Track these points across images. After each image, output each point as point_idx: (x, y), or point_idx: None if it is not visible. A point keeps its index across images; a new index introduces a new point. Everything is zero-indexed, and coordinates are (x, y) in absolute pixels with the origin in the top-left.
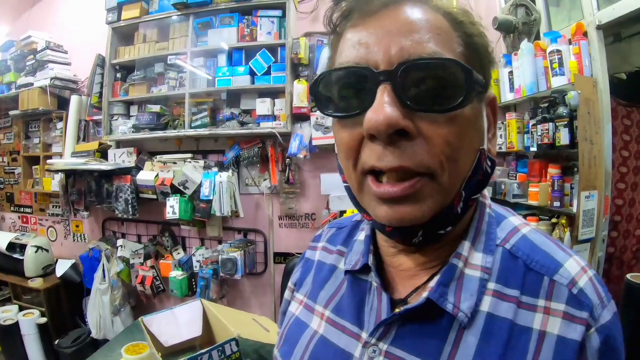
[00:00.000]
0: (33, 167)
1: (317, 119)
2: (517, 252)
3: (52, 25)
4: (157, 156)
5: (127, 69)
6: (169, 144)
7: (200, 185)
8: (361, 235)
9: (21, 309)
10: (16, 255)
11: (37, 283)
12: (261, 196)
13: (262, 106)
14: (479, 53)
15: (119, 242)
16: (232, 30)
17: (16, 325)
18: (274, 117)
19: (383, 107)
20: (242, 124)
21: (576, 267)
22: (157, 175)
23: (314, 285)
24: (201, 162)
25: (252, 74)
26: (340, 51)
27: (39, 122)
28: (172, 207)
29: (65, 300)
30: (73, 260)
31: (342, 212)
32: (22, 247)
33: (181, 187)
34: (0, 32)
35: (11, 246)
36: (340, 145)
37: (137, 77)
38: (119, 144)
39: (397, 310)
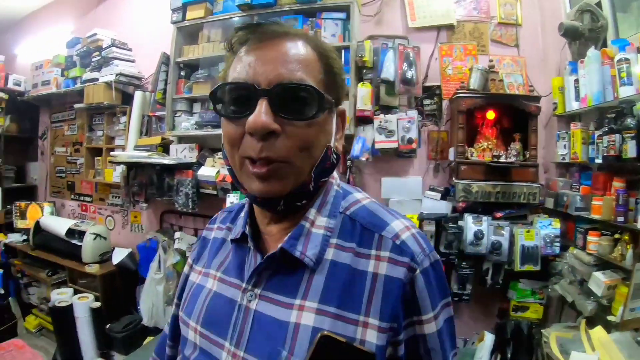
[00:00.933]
0: (95, 158)
1: (380, 122)
2: (356, 216)
3: (117, 24)
4: (219, 153)
5: (191, 67)
6: None
7: None
8: (243, 212)
9: (76, 292)
10: (74, 241)
11: (93, 269)
12: None
13: None
14: (335, 79)
15: (177, 234)
16: None
17: (70, 307)
18: None
19: (260, 115)
20: None
21: (400, 226)
22: (219, 171)
23: (209, 256)
24: None
25: None
26: (234, 67)
27: (103, 115)
28: (232, 204)
29: (119, 287)
30: (130, 250)
31: None
32: (81, 234)
33: None
34: (66, 29)
35: (70, 232)
36: (227, 137)
37: (201, 75)
38: (181, 139)
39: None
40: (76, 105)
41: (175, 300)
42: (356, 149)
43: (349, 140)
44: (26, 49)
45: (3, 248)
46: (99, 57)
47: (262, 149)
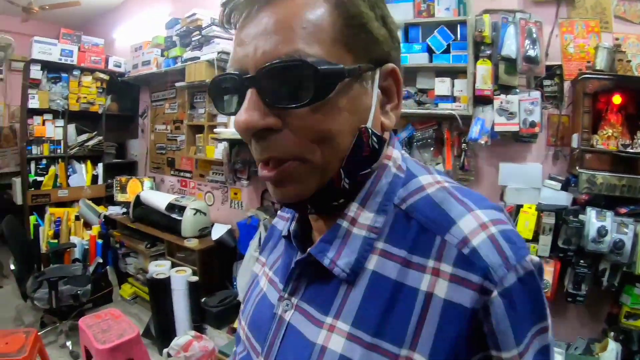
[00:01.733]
0: (196, 135)
1: (501, 103)
2: (413, 212)
3: (215, 2)
4: None
5: None
6: None
7: None
8: None
9: (173, 265)
10: (174, 216)
11: (192, 243)
12: None
13: (441, 86)
14: (364, 31)
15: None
16: (408, 6)
17: (168, 280)
18: (453, 99)
19: (242, 113)
20: (419, 103)
21: (473, 224)
22: None
23: (270, 250)
24: None
25: (429, 51)
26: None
27: (204, 93)
28: None
29: (216, 262)
30: (229, 226)
31: (519, 207)
32: (181, 209)
33: None
34: (163, 12)
35: (170, 207)
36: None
37: None
38: None
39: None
40: (177, 84)
41: None
42: (474, 130)
43: (467, 121)
44: (124, 32)
45: (103, 220)
46: (200, 37)
47: (263, 149)
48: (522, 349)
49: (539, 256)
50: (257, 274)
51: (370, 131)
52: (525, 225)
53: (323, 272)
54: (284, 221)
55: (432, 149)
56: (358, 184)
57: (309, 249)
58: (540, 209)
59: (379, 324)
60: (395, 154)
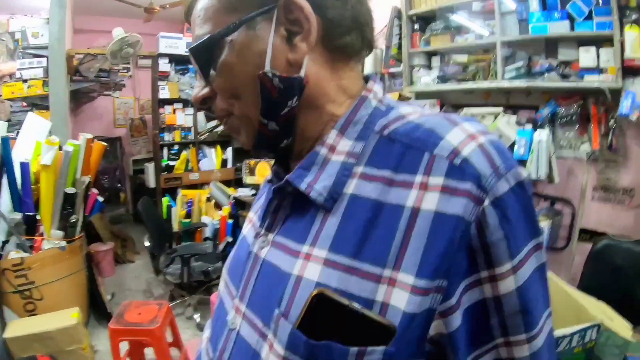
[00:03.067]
0: None
1: None
2: (396, 135)
3: None
4: (465, 109)
5: (425, 20)
6: (474, 97)
7: (514, 143)
8: None
9: None
10: None
11: None
12: (576, 161)
13: (586, 57)
14: None
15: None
16: None
17: None
18: (599, 70)
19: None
20: (563, 76)
21: (461, 135)
22: None
23: (256, 201)
24: (513, 118)
25: (570, 19)
26: None
27: None
28: None
29: None
30: None
31: None
32: None
33: None
34: None
35: None
36: None
37: (438, 27)
38: (419, 95)
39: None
40: None
41: None
42: (625, 105)
43: (615, 95)
44: None
45: (233, 201)
46: None
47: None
48: (516, 263)
49: None
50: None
51: (270, 74)
52: None
53: (301, 202)
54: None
55: (577, 126)
56: (289, 121)
57: (286, 176)
58: None
59: (358, 245)
60: (376, 87)
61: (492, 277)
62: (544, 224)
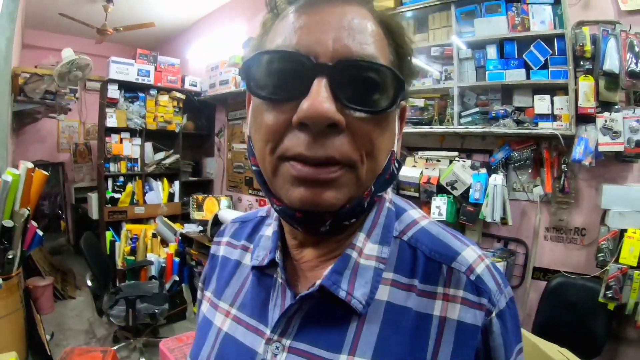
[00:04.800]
0: None
1: (605, 121)
2: (415, 243)
3: None
4: (419, 152)
5: None
6: (429, 140)
7: (469, 187)
8: (268, 231)
9: None
10: None
11: None
12: (529, 204)
13: (540, 104)
14: (405, 65)
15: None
16: (501, 20)
17: None
18: (553, 117)
19: (321, 100)
20: (518, 122)
21: (473, 255)
22: (422, 172)
23: (218, 283)
24: (468, 162)
25: (526, 67)
26: (276, 32)
27: None
28: (439, 208)
29: None
30: None
31: (623, 231)
32: None
33: (449, 188)
34: (237, 30)
35: None
36: (262, 128)
37: None
38: None
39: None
40: None
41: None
42: (578, 151)
43: (568, 141)
44: (196, 52)
45: (180, 237)
46: None
47: (320, 146)
48: None
49: None
50: (204, 311)
51: (395, 156)
52: (630, 251)
53: (324, 307)
54: (236, 249)
55: (530, 170)
56: (368, 207)
57: (319, 281)
58: None
59: (401, 353)
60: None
61: None
62: (499, 265)
